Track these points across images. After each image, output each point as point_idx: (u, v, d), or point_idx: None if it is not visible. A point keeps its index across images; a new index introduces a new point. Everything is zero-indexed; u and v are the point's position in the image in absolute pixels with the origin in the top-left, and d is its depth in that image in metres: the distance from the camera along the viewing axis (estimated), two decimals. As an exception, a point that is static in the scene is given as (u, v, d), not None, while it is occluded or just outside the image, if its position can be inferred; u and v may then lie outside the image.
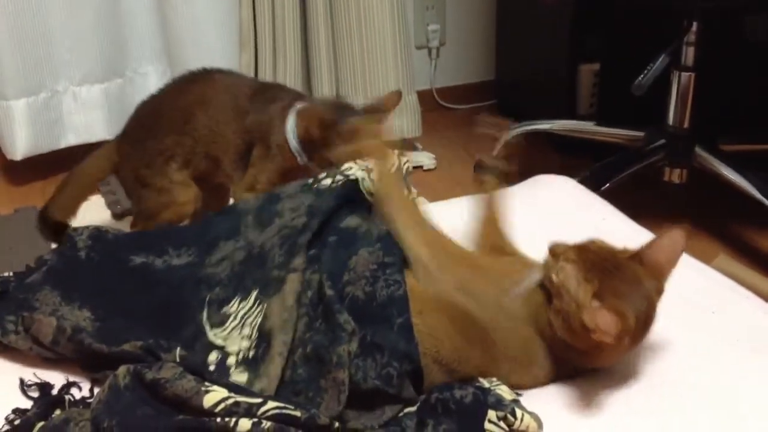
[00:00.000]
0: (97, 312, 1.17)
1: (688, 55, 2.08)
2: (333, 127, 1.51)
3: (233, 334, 1.12)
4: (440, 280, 1.09)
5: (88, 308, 1.17)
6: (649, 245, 1.06)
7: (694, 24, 2.05)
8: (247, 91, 1.68)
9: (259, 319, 1.11)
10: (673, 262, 1.06)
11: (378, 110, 1.57)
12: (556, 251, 1.06)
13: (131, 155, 1.75)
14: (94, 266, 1.26)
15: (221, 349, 1.11)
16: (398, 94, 1.61)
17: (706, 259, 1.42)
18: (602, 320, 0.95)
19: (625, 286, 1.01)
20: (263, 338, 1.09)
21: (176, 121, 1.70)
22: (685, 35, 2.06)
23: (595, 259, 1.03)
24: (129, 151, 1.76)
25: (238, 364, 1.09)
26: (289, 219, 1.21)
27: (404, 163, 1.26)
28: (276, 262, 1.15)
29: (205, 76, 1.75)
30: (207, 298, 1.18)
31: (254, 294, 1.14)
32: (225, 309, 1.15)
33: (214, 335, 1.13)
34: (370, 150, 1.24)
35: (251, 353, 1.09)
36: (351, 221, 1.19)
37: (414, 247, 1.12)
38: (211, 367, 1.09)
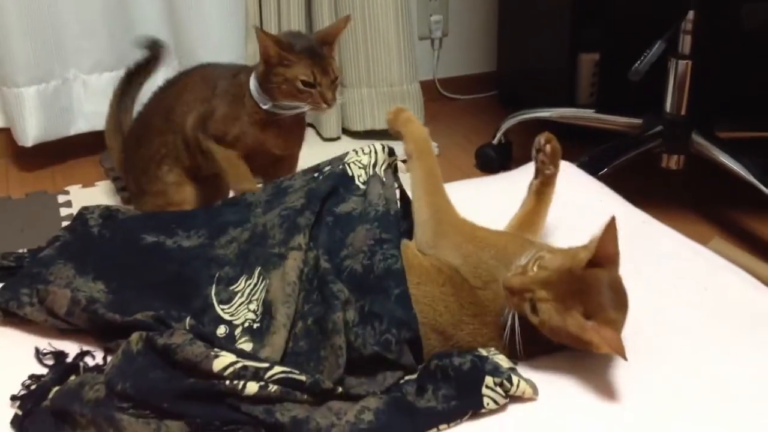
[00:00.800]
0: (110, 284, 1.20)
1: (685, 43, 2.08)
2: (288, 49, 1.60)
3: (240, 309, 1.15)
4: (440, 242, 1.15)
5: (101, 281, 1.21)
6: (596, 246, 1.03)
7: (691, 12, 2.06)
8: (219, 72, 1.77)
9: (264, 294, 1.14)
10: (617, 246, 1.05)
11: (328, 35, 1.66)
12: (513, 289, 1.04)
13: (131, 166, 1.87)
14: (106, 242, 1.30)
15: (229, 323, 1.14)
16: (346, 19, 1.70)
17: (701, 243, 1.44)
18: (605, 337, 1.00)
19: (598, 295, 1.03)
20: (267, 311, 1.12)
21: (160, 122, 1.79)
22: (681, 22, 2.07)
23: (561, 286, 1.02)
24: (129, 164, 1.88)
25: (242, 334, 1.12)
26: (290, 201, 1.25)
27: (392, 161, 1.30)
28: (277, 240, 1.18)
29: (183, 74, 1.84)
30: (216, 275, 1.21)
31: (257, 270, 1.17)
32: (233, 287, 1.18)
33: (222, 310, 1.16)
34: (402, 118, 1.29)
35: (255, 325, 1.12)
36: (345, 207, 1.22)
37: (423, 210, 1.19)
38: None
